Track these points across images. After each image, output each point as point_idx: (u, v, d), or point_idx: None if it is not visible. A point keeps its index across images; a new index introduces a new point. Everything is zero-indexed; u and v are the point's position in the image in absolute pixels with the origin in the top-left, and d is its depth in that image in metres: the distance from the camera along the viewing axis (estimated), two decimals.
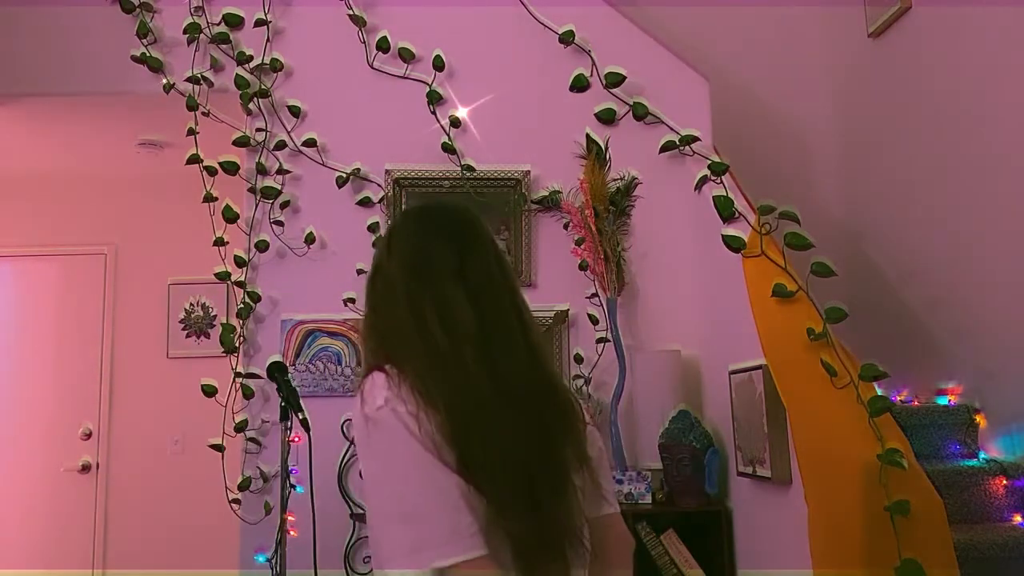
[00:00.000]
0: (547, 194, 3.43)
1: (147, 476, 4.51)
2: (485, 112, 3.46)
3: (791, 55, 4.37)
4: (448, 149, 3.42)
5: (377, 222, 3.39)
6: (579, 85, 3.45)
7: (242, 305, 3.31)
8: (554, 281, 3.41)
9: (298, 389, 2.65)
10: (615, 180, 3.41)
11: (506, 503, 1.18)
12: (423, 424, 1.18)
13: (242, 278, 3.33)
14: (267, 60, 3.42)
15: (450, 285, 1.28)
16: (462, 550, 1.14)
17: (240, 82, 3.37)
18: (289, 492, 2.00)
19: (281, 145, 3.39)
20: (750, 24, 4.37)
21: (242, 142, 3.37)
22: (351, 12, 3.46)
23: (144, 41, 3.38)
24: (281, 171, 3.39)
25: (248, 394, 3.27)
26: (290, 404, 2.03)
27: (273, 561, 2.00)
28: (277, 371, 2.18)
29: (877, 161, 3.95)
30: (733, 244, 2.75)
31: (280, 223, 3.37)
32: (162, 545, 4.39)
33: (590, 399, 3.30)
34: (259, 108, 3.40)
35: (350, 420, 2.84)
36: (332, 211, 3.39)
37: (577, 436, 1.31)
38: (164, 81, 3.37)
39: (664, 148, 3.34)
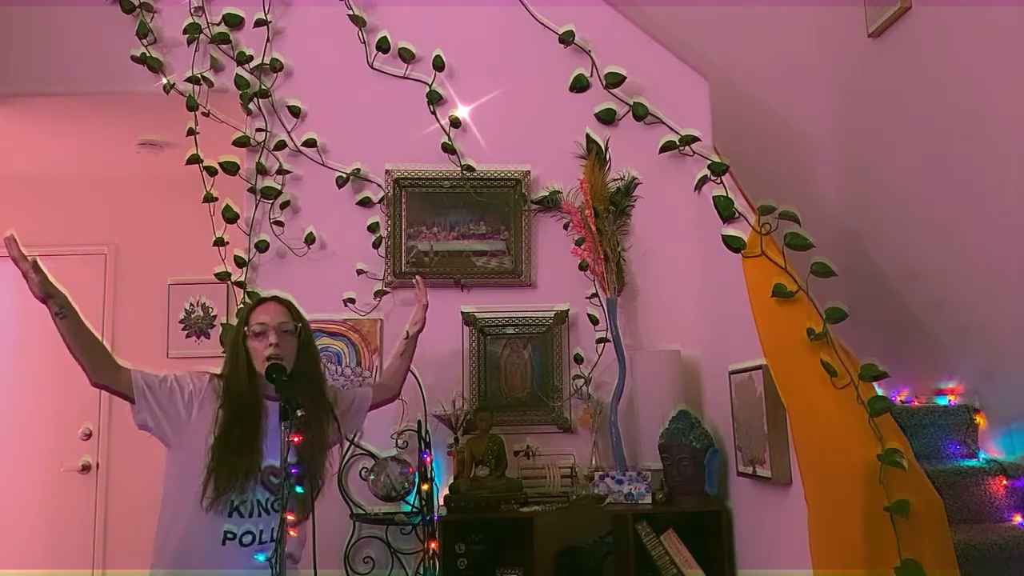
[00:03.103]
0: (547, 194, 3.43)
1: (147, 476, 4.46)
2: (485, 112, 3.46)
3: (791, 55, 4.37)
4: (448, 149, 3.42)
5: (377, 222, 3.39)
6: (579, 85, 3.45)
7: (242, 305, 3.30)
8: (554, 281, 3.42)
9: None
10: (615, 180, 3.41)
11: None
12: None
13: (242, 278, 3.33)
14: (267, 60, 3.42)
15: None
16: None
17: (240, 82, 3.38)
18: (289, 492, 2.00)
19: (281, 145, 3.39)
20: (750, 24, 4.37)
21: (242, 142, 3.37)
22: (351, 12, 3.46)
23: (144, 41, 3.39)
24: (281, 171, 3.39)
25: None
26: (289, 404, 2.03)
27: (272, 561, 2.00)
28: (275, 372, 2.17)
29: (877, 161, 3.95)
30: (733, 244, 2.75)
31: (280, 223, 3.37)
32: None
33: (590, 399, 3.30)
34: (259, 108, 3.41)
35: None
36: (332, 211, 3.39)
37: None
38: (164, 81, 3.37)
39: (664, 148, 3.33)
